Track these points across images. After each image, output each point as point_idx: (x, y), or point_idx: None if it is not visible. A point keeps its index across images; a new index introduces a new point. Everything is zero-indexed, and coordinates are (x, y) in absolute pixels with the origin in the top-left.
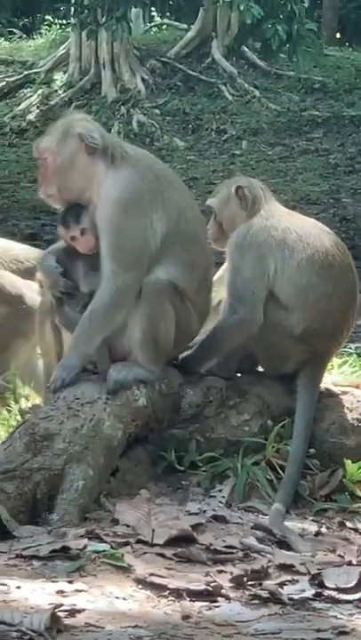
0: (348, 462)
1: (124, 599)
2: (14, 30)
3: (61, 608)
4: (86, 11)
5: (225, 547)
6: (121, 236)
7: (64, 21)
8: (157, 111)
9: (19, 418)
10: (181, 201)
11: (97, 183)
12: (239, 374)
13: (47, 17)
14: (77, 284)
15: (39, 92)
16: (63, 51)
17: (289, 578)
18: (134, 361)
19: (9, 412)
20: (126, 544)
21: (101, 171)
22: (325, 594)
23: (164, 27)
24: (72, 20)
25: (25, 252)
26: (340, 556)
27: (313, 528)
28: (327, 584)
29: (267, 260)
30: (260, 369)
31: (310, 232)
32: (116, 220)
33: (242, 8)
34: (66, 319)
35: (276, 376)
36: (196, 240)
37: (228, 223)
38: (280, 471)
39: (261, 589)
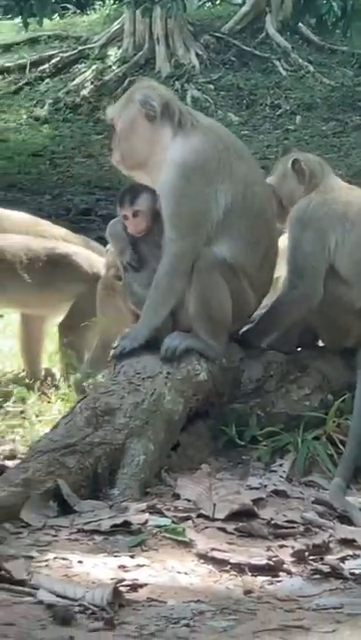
0: None
1: (186, 574)
2: (68, 6)
3: (123, 583)
4: None
5: (286, 521)
6: (181, 202)
7: None
8: (211, 86)
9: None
10: (250, 175)
11: (162, 149)
12: (299, 348)
13: None
14: (145, 259)
15: (93, 67)
16: (117, 26)
17: (350, 552)
18: (193, 332)
19: (69, 387)
20: (187, 519)
21: (167, 137)
22: None
23: (218, 1)
24: None
25: (51, 228)
26: None
27: None
28: None
29: (327, 234)
30: (321, 343)
31: None
32: (178, 184)
33: None
34: (135, 297)
35: (337, 350)
36: (263, 216)
37: (288, 199)
38: (340, 446)
39: (323, 564)
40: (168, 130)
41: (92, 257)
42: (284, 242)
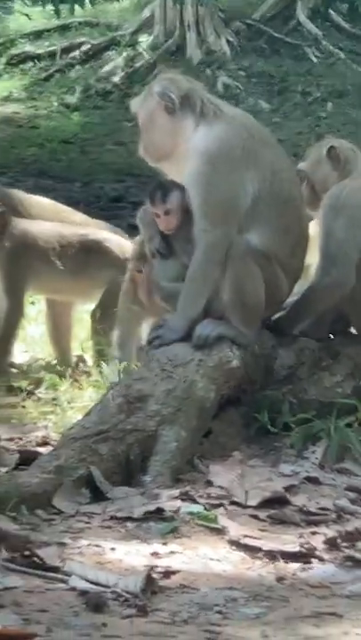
0: None
1: (218, 561)
2: None
3: (156, 570)
4: None
5: (318, 508)
6: (210, 190)
7: None
8: (242, 73)
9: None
10: (276, 162)
11: (185, 140)
12: (332, 335)
13: None
14: (173, 250)
15: (124, 54)
16: (148, 13)
17: None
18: (226, 320)
19: (101, 373)
20: (220, 505)
21: (189, 128)
22: None
23: None
24: None
25: (70, 214)
26: None
27: None
28: None
29: (359, 222)
30: (353, 330)
31: None
32: (204, 173)
33: None
34: (163, 292)
35: None
36: (292, 202)
37: (321, 185)
38: None
39: (355, 551)
40: (190, 121)
41: (123, 243)
42: (315, 229)
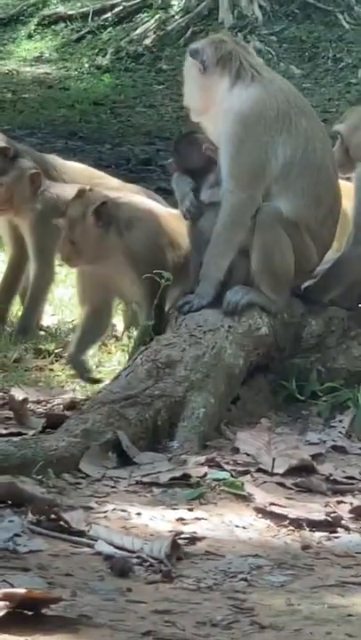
0: None
1: (244, 528)
2: None
3: (181, 536)
4: None
5: (345, 477)
6: (240, 150)
7: None
8: (274, 38)
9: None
10: (311, 129)
11: (219, 100)
12: None
13: None
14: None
15: (156, 17)
16: None
17: None
18: (255, 287)
19: (129, 338)
20: (246, 473)
21: (224, 87)
22: None
23: None
24: None
25: (107, 180)
26: None
27: None
28: None
29: None
30: None
31: None
32: (235, 132)
33: None
34: (197, 239)
35: None
36: (325, 171)
37: (355, 149)
38: None
39: None
40: (224, 82)
41: (156, 206)
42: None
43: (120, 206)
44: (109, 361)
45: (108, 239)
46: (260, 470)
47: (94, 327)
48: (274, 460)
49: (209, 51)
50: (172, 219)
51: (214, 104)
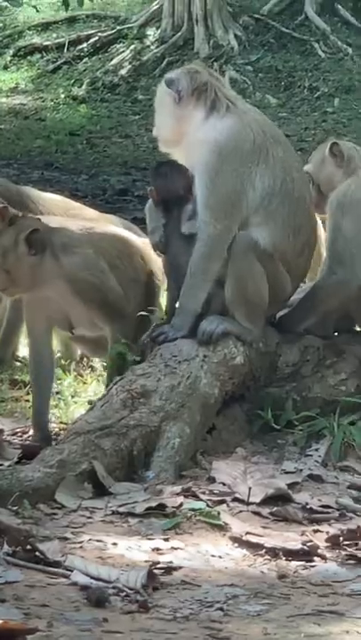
0: None
1: (220, 557)
2: None
3: (158, 565)
4: None
5: (321, 506)
6: (215, 181)
7: None
8: (250, 68)
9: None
10: (287, 160)
11: (193, 130)
12: (336, 333)
13: None
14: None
15: (131, 47)
16: (156, 6)
17: None
18: (230, 316)
19: (105, 368)
20: (222, 502)
21: (199, 118)
22: None
23: None
24: None
25: (82, 210)
26: None
27: None
28: None
29: None
30: (358, 328)
31: None
32: (211, 163)
33: None
34: (173, 271)
35: None
36: (303, 202)
37: (326, 184)
38: None
39: (357, 549)
40: (200, 112)
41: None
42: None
43: (54, 231)
44: (85, 391)
45: (44, 265)
46: (235, 500)
47: (47, 380)
48: (250, 489)
49: (185, 81)
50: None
51: (188, 134)
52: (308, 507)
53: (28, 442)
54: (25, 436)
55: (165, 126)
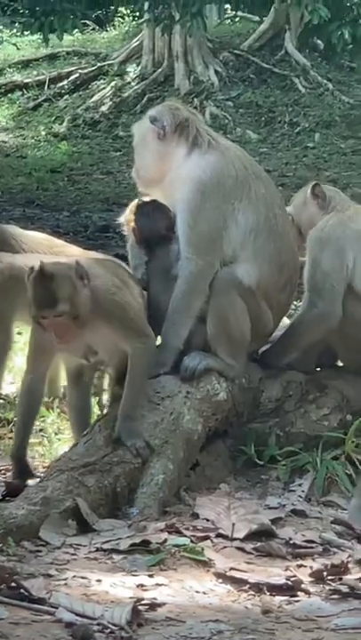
0: None
1: (205, 593)
2: (87, 22)
3: (142, 602)
4: (161, 6)
5: (305, 541)
6: (197, 218)
7: (138, 14)
8: (230, 103)
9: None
10: (269, 196)
11: (176, 167)
12: (319, 368)
13: (120, 9)
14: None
15: (112, 83)
16: (136, 43)
17: None
18: (212, 352)
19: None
20: (206, 538)
21: (180, 155)
22: None
23: (237, 19)
24: (146, 16)
25: (65, 248)
26: None
27: None
28: None
29: (346, 253)
30: (340, 363)
31: None
32: (194, 200)
33: (309, 9)
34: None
35: (357, 370)
36: (287, 237)
37: (307, 225)
38: (359, 466)
39: (341, 584)
40: (182, 148)
41: None
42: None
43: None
44: (68, 428)
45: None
46: (219, 535)
47: (34, 416)
48: (233, 524)
49: (168, 117)
50: None
51: (170, 171)
52: (291, 542)
53: (11, 479)
54: (8, 473)
55: (148, 164)
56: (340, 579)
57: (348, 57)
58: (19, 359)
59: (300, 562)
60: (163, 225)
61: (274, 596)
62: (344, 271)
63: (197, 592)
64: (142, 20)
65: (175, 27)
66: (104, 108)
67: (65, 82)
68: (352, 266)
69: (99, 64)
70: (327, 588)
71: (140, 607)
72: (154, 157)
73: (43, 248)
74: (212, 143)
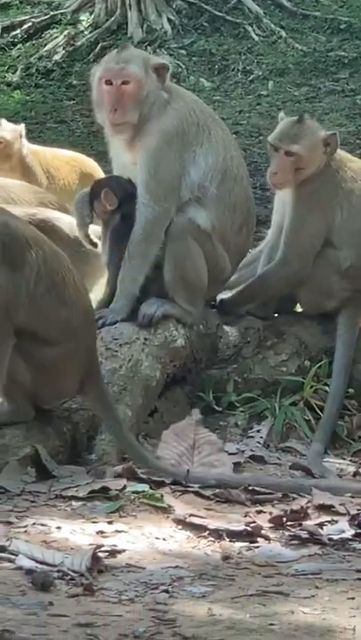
0: None
1: (164, 540)
2: None
3: (102, 549)
4: None
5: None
6: (159, 166)
7: None
8: (184, 52)
9: None
10: (226, 138)
11: (156, 115)
12: (277, 315)
13: None
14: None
15: (65, 32)
16: None
17: (328, 518)
18: (170, 299)
19: None
20: (165, 484)
21: (163, 103)
22: None
23: None
24: None
25: (24, 194)
26: None
27: (351, 468)
28: None
29: (334, 213)
30: (299, 309)
31: None
32: (159, 149)
33: None
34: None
35: (315, 316)
36: (240, 181)
37: (308, 168)
38: (318, 411)
39: (301, 530)
40: (164, 97)
41: (73, 222)
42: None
43: None
44: None
45: None
46: (177, 482)
47: None
48: (188, 471)
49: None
50: None
51: (151, 119)
52: (250, 488)
53: None
54: None
55: (147, 113)
56: (300, 524)
57: (301, 4)
58: None
59: (259, 508)
60: (129, 181)
61: (234, 542)
62: (327, 230)
63: (157, 538)
64: None
65: None
66: (57, 57)
67: (18, 30)
68: (338, 223)
69: (51, 13)
70: (287, 533)
71: (99, 554)
72: (152, 107)
73: None
74: (173, 91)
